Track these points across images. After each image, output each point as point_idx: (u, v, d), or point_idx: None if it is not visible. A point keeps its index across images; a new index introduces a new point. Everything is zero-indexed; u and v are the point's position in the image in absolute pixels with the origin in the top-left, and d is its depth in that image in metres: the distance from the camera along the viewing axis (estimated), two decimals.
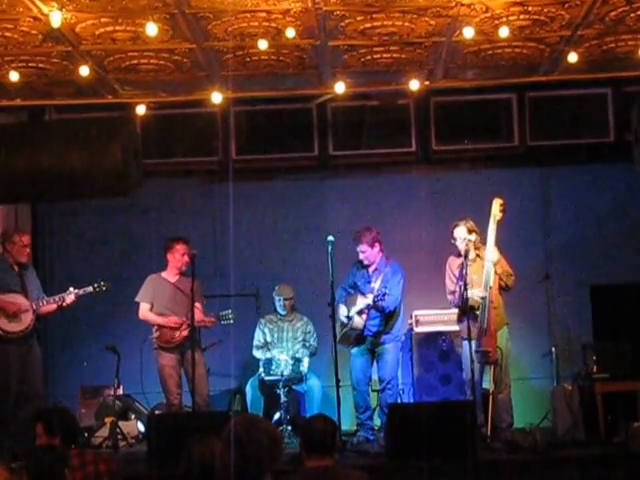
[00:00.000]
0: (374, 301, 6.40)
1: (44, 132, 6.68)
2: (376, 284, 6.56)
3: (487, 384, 6.32)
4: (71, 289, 6.57)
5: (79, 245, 7.99)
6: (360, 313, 6.54)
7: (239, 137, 8.00)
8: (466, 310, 6.15)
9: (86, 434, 6.88)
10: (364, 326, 6.55)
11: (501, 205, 6.31)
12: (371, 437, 6.57)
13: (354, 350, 6.68)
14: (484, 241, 6.34)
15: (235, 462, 2.86)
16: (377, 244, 6.63)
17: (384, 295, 6.35)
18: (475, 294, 6.18)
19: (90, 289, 6.60)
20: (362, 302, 6.50)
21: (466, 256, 6.25)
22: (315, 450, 3.61)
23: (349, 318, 6.60)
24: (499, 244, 6.33)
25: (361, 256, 6.63)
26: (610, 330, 6.99)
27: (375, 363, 6.70)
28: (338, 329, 6.61)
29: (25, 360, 6.39)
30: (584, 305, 7.46)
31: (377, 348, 6.65)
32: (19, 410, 6.27)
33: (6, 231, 6.81)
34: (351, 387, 6.67)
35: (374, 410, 7.01)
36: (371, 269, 6.69)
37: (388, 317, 6.58)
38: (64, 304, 6.54)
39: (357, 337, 6.63)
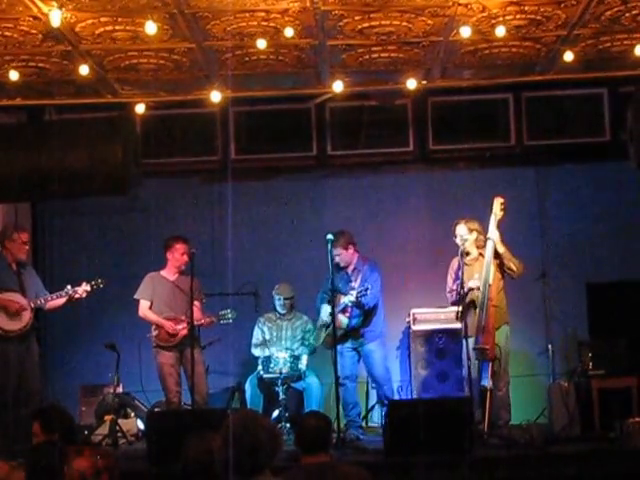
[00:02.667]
0: (357, 297, 6.49)
1: (44, 132, 6.72)
2: (356, 282, 6.67)
3: (486, 381, 6.37)
4: (68, 287, 6.60)
5: (79, 244, 8.01)
6: (343, 311, 6.63)
7: (238, 137, 8.04)
8: (464, 308, 6.22)
9: (86, 432, 6.90)
10: (347, 324, 6.64)
11: (502, 204, 6.38)
12: (361, 436, 6.61)
13: (339, 348, 6.70)
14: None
15: (234, 458, 2.89)
16: (351, 246, 6.75)
17: (366, 290, 6.46)
18: (472, 284, 6.22)
19: (88, 287, 6.62)
20: (345, 299, 6.57)
21: (462, 255, 6.32)
22: (310, 447, 3.64)
23: (332, 317, 6.66)
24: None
25: (337, 259, 6.70)
26: (606, 327, 7.05)
27: (363, 363, 6.79)
28: (322, 331, 6.75)
29: (23, 358, 6.41)
30: (580, 303, 7.52)
31: (361, 347, 6.73)
32: (17, 408, 6.28)
33: (5, 229, 6.83)
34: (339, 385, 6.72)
35: (372, 407, 7.08)
36: (350, 269, 6.79)
37: (367, 313, 6.68)
38: (76, 296, 6.57)
39: (340, 336, 6.66)
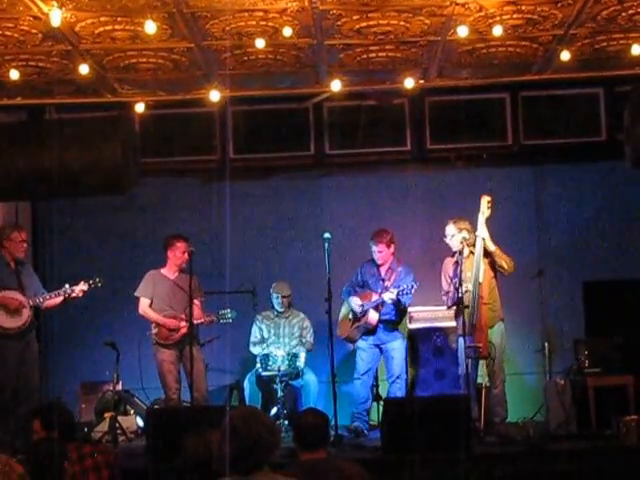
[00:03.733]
0: (397, 295, 6.57)
1: (44, 131, 6.74)
2: (389, 282, 6.76)
3: (481, 379, 6.41)
4: (66, 286, 6.63)
5: (78, 243, 8.03)
6: (376, 308, 6.71)
7: (237, 136, 8.06)
8: (460, 306, 6.26)
9: (86, 429, 6.93)
10: (377, 321, 6.73)
11: (488, 202, 6.41)
12: (365, 429, 6.67)
13: (361, 343, 6.83)
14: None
15: (233, 454, 2.93)
16: (392, 245, 6.84)
17: (411, 288, 6.55)
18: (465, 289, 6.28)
19: (85, 286, 6.65)
20: (385, 296, 6.61)
21: (460, 253, 6.34)
22: (307, 444, 3.67)
23: (363, 309, 6.75)
24: (494, 238, 6.43)
25: (377, 255, 6.81)
26: (602, 325, 7.08)
27: (383, 359, 6.88)
28: (349, 322, 6.83)
29: (23, 356, 6.42)
30: (576, 301, 7.56)
31: (383, 345, 6.82)
32: (17, 406, 6.31)
33: (3, 228, 6.85)
34: (354, 379, 6.82)
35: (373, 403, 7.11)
36: (383, 268, 6.88)
37: (400, 312, 6.81)
38: (73, 295, 6.60)
39: (366, 331, 6.79)
